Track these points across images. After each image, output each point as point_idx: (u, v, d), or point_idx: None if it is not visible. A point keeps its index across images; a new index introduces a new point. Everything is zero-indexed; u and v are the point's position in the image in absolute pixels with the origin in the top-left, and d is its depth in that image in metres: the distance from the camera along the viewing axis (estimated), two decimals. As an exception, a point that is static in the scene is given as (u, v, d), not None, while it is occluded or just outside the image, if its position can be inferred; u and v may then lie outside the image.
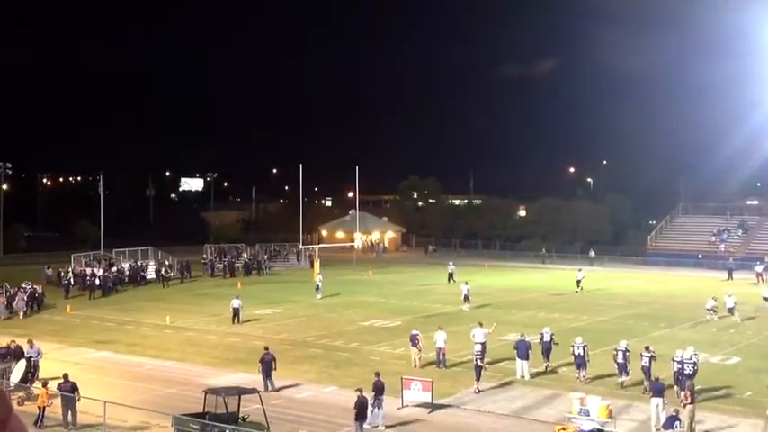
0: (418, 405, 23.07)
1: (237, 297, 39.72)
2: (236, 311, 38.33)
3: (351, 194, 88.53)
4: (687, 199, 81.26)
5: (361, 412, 20.12)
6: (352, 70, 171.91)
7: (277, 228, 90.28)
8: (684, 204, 79.72)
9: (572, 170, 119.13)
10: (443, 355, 28.48)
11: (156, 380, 26.94)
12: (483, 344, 26.76)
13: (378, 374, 22.68)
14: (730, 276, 57.67)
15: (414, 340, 28.77)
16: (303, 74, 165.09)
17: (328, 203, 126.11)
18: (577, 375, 26.40)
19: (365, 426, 20.88)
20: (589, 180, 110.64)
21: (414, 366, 28.14)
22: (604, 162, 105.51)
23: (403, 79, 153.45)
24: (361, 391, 20.56)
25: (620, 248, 75.48)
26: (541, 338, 28.29)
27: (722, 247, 70.06)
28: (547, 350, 27.93)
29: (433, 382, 23.33)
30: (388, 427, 21.69)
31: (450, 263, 57.27)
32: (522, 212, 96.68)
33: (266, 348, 26.40)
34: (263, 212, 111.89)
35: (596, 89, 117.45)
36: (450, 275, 55.02)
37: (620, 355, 25.41)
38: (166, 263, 58.90)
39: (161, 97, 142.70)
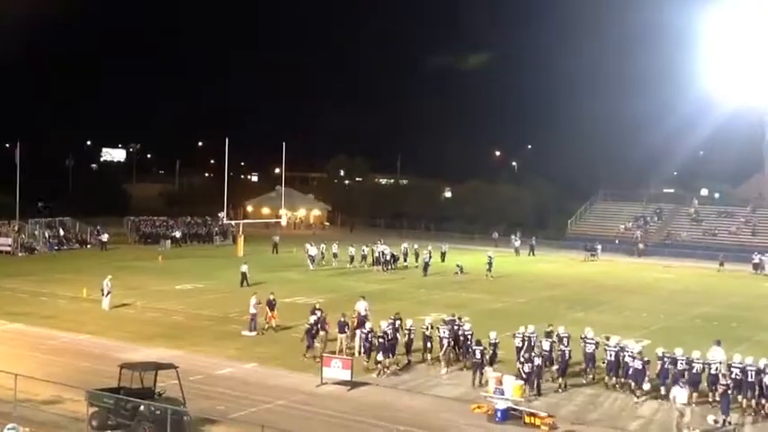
0: (337, 383, 23.18)
1: (245, 263, 42.70)
2: (243, 275, 41.54)
3: (278, 170, 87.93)
4: (607, 186, 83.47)
5: None
6: (285, 47, 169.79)
7: (201, 202, 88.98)
8: (604, 191, 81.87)
9: (498, 154, 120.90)
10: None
11: (71, 353, 26.34)
12: (365, 316, 27.79)
13: None
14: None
15: (341, 327, 27.01)
16: (232, 48, 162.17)
17: (255, 179, 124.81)
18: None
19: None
20: (514, 164, 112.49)
21: (339, 351, 26.47)
22: (529, 146, 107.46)
23: (335, 59, 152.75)
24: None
25: (543, 232, 77.11)
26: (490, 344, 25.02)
27: (638, 233, 72.33)
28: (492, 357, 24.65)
29: (353, 361, 23.50)
30: (305, 404, 21.76)
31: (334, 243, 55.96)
32: (448, 194, 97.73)
33: None
34: (188, 186, 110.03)
35: (527, 78, 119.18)
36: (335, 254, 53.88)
37: (590, 346, 24.31)
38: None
39: (84, 64, 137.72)
